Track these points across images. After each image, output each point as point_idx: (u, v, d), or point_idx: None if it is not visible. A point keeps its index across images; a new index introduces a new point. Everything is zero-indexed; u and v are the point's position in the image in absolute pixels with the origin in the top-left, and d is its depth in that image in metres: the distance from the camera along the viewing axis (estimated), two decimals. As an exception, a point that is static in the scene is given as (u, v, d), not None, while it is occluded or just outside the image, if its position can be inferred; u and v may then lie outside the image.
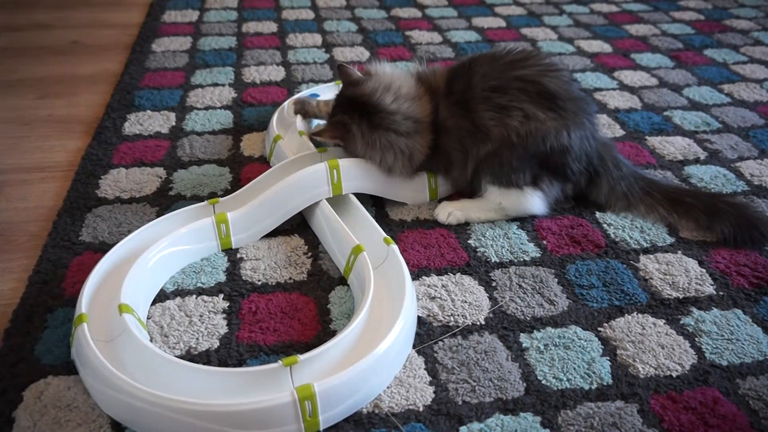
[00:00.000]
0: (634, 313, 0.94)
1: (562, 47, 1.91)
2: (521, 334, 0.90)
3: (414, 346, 0.87)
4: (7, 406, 0.77)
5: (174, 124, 1.42)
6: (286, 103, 1.36)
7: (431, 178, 1.15)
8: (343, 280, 0.98)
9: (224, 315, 0.91)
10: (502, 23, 2.10)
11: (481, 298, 0.96)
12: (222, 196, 1.12)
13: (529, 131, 1.03)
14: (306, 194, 1.06)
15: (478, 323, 0.91)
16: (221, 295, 0.95)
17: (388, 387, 0.81)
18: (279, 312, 0.92)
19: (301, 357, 0.76)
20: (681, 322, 0.92)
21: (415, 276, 0.99)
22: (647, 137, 1.42)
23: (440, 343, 0.88)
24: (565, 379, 0.83)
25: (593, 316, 0.93)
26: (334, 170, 1.06)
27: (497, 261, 1.03)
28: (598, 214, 1.15)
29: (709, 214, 1.08)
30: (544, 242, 1.08)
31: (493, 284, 0.98)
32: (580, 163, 1.09)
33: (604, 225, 1.12)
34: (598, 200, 1.15)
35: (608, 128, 1.44)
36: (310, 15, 2.11)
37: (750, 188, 1.24)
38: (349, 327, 0.82)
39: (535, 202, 1.09)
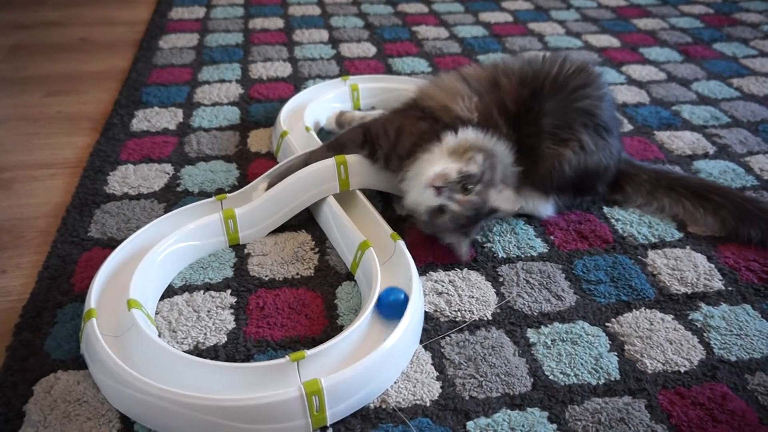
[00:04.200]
0: (642, 309, 0.93)
1: (570, 42, 1.90)
2: (528, 329, 0.89)
3: (421, 342, 0.87)
4: (17, 400, 0.77)
5: (181, 120, 1.42)
6: (329, 117, 1.35)
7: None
8: (350, 276, 0.98)
9: (232, 310, 0.92)
10: (509, 18, 2.09)
11: (488, 293, 0.96)
12: (229, 192, 1.12)
13: (579, 162, 1.04)
14: (314, 190, 1.06)
15: (485, 318, 0.91)
16: (229, 291, 0.95)
17: (395, 382, 0.81)
18: (286, 307, 0.92)
19: (309, 352, 0.76)
20: (689, 317, 0.92)
21: (422, 271, 0.99)
22: (655, 132, 1.41)
23: (447, 338, 0.88)
24: (572, 374, 0.82)
25: (601, 312, 0.93)
26: (342, 166, 1.06)
27: (504, 256, 1.03)
28: (605, 209, 1.14)
29: (737, 217, 1.06)
30: (552, 237, 1.07)
31: (500, 279, 0.98)
32: (607, 182, 1.12)
33: (612, 220, 1.12)
34: (623, 203, 1.16)
35: (616, 123, 1.44)
36: (316, 11, 2.11)
37: (759, 183, 1.23)
38: (357, 322, 0.82)
39: (549, 208, 1.11)
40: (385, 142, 1.06)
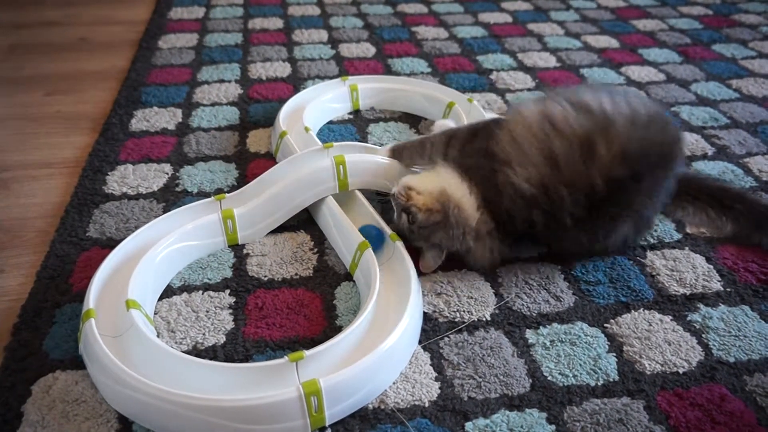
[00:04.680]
0: (641, 310, 0.93)
1: (569, 42, 1.90)
2: (527, 330, 0.89)
3: (420, 342, 0.87)
4: (15, 400, 0.77)
5: (180, 120, 1.42)
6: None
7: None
8: (349, 276, 0.98)
9: (230, 310, 0.92)
10: (509, 18, 2.09)
11: (486, 294, 0.96)
12: (228, 192, 1.12)
13: (634, 232, 1.01)
14: (312, 190, 1.06)
15: (484, 319, 0.91)
16: (227, 291, 0.95)
17: (393, 383, 0.81)
18: (285, 308, 0.92)
19: (307, 352, 0.76)
20: (688, 318, 0.92)
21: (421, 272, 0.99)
22: (654, 133, 1.41)
23: (446, 339, 0.88)
24: (571, 375, 0.82)
25: (599, 313, 0.93)
26: (341, 166, 1.06)
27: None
28: (604, 210, 1.14)
29: (757, 226, 1.06)
30: (551, 238, 1.08)
31: (499, 280, 0.98)
32: None
33: (611, 221, 1.11)
34: None
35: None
36: (316, 11, 2.11)
37: (758, 184, 1.23)
38: (355, 323, 0.82)
39: None
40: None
